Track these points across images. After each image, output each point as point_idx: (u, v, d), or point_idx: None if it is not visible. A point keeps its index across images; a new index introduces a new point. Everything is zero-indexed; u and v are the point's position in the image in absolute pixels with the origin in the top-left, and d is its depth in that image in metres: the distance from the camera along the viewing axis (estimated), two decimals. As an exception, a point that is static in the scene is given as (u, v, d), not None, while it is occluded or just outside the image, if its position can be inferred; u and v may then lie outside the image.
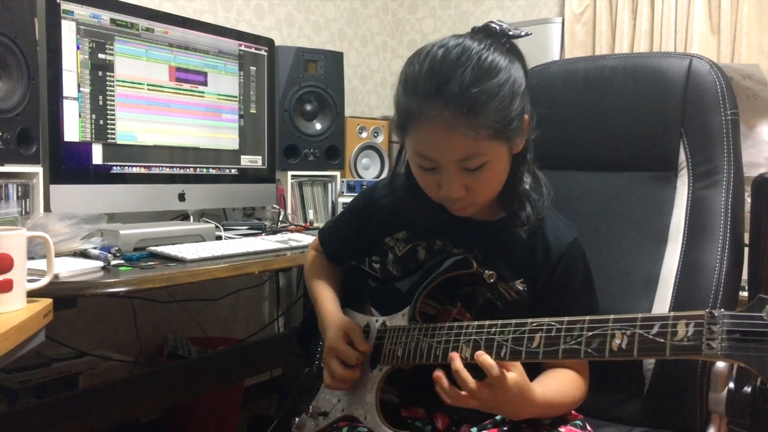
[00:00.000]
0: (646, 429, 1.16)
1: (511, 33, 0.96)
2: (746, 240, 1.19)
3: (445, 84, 0.89)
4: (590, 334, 0.81)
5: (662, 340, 0.75)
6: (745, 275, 1.18)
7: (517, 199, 1.02)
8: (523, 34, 0.97)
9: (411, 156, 0.98)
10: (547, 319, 0.86)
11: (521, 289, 1.03)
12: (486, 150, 0.92)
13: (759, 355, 0.69)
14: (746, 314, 0.70)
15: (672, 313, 0.76)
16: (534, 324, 0.87)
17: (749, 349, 0.69)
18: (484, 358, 0.87)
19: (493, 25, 0.96)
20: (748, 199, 1.20)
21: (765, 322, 0.69)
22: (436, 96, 0.90)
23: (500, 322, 0.90)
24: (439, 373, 0.90)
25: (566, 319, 0.84)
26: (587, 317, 0.83)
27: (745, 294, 1.19)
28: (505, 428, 0.97)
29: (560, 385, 0.98)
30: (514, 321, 0.89)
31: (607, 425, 1.17)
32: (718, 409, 1.08)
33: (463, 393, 0.89)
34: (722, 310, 0.72)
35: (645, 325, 0.77)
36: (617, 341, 0.78)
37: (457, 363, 0.89)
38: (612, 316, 0.80)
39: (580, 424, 1.00)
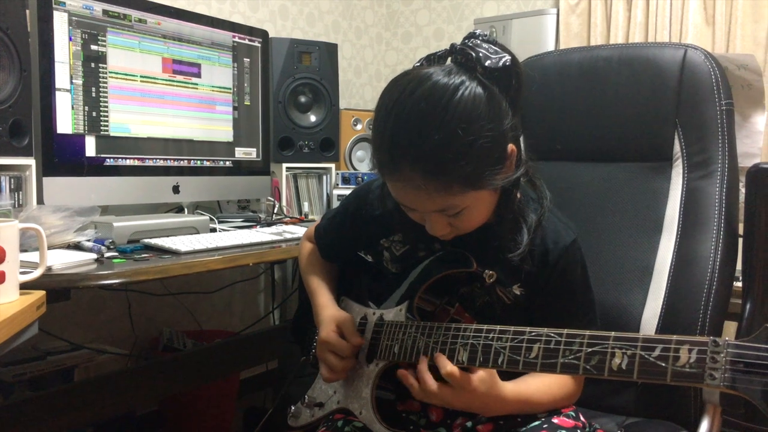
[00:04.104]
0: (640, 419, 1.16)
1: (487, 64, 0.88)
2: (741, 230, 1.19)
3: (410, 148, 0.85)
4: (590, 350, 0.79)
5: (664, 365, 0.73)
6: (739, 266, 1.19)
7: (511, 223, 0.99)
8: (500, 64, 0.88)
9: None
10: (546, 330, 0.84)
11: (518, 294, 1.02)
12: (461, 201, 0.90)
13: (764, 390, 0.66)
14: (751, 345, 0.68)
15: (674, 337, 0.74)
16: (533, 333, 0.85)
17: (753, 381, 0.67)
18: (441, 359, 0.90)
19: (470, 51, 0.89)
20: (743, 190, 1.20)
21: None
22: (403, 159, 0.86)
23: (498, 327, 0.89)
24: (402, 371, 0.94)
25: (565, 331, 0.82)
26: (587, 332, 0.81)
27: (739, 284, 1.19)
28: (501, 422, 0.97)
29: (540, 383, 0.97)
30: (512, 328, 0.88)
31: (601, 415, 1.17)
32: (712, 400, 1.09)
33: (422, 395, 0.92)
34: (727, 338, 0.70)
35: (646, 346, 0.75)
36: (617, 361, 0.77)
37: (421, 365, 0.92)
38: (613, 334, 0.78)
39: (573, 414, 1.00)
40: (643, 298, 1.19)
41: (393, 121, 0.88)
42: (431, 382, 0.90)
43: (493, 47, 0.90)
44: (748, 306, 1.16)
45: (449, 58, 0.93)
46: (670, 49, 1.25)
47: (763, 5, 2.25)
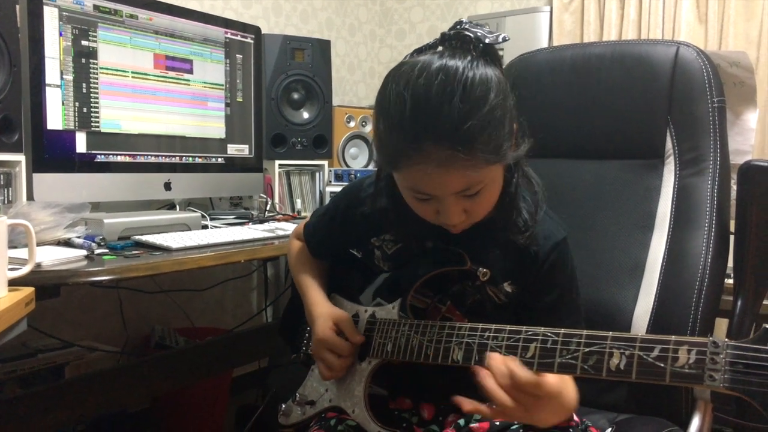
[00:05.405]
0: (632, 416, 1.16)
1: (487, 41, 0.88)
2: (732, 228, 1.19)
3: (434, 122, 0.83)
4: (587, 350, 0.79)
5: (662, 365, 0.73)
6: (730, 263, 1.19)
7: (514, 207, 0.99)
8: (500, 39, 0.88)
9: (403, 189, 0.94)
10: (542, 329, 0.84)
11: (510, 291, 1.01)
12: (483, 177, 0.89)
13: (763, 390, 0.66)
14: (751, 346, 0.68)
15: (673, 337, 0.73)
16: (529, 333, 0.84)
17: (753, 383, 0.67)
18: (512, 362, 0.81)
19: (466, 32, 0.89)
20: (734, 187, 1.20)
21: None
22: (426, 136, 0.83)
23: (494, 326, 0.88)
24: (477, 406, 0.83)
25: (562, 331, 0.82)
26: (585, 332, 0.80)
27: (731, 282, 1.19)
28: (497, 423, 0.96)
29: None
30: (508, 327, 0.87)
31: (593, 412, 1.17)
32: (703, 396, 1.09)
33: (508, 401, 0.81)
34: (726, 339, 0.70)
35: (645, 346, 0.75)
36: (615, 361, 0.76)
37: (503, 368, 0.82)
38: (610, 334, 0.78)
39: (566, 411, 0.99)
40: (635, 294, 1.19)
41: (410, 101, 0.85)
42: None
43: (486, 28, 0.91)
44: (739, 303, 1.16)
45: (440, 47, 0.92)
46: (663, 46, 1.25)
47: (755, 4, 2.26)
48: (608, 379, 0.77)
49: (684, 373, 0.72)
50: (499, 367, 0.81)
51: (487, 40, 0.88)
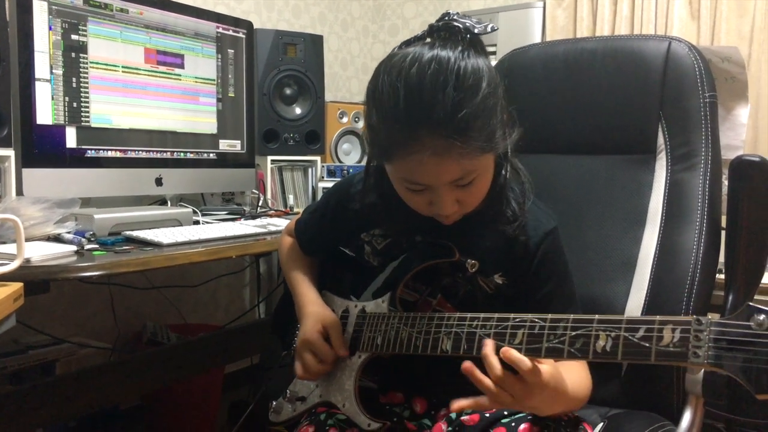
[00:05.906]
0: (623, 410, 1.16)
1: (476, 30, 0.90)
2: (723, 223, 1.19)
3: (428, 111, 0.84)
4: (574, 333, 0.79)
5: (647, 345, 0.73)
6: (721, 258, 1.19)
7: (504, 197, 1.00)
8: (489, 29, 0.90)
9: (396, 180, 0.95)
10: (530, 316, 0.84)
11: (500, 282, 1.02)
12: (477, 166, 0.89)
13: (746, 366, 0.67)
14: (733, 322, 0.69)
15: (658, 317, 0.74)
16: (517, 320, 0.85)
17: (736, 358, 0.68)
18: (511, 353, 0.80)
19: (455, 23, 0.90)
20: (726, 182, 1.20)
21: (753, 332, 0.67)
22: (421, 125, 0.84)
23: (482, 315, 0.89)
24: (469, 364, 0.82)
25: (549, 316, 0.82)
26: (571, 316, 0.81)
27: (722, 276, 1.19)
28: (487, 415, 0.97)
29: (577, 377, 0.95)
30: (496, 315, 0.87)
31: (585, 407, 1.17)
32: (694, 390, 1.09)
33: (494, 389, 0.82)
34: (709, 317, 0.71)
35: (630, 327, 0.75)
36: (601, 343, 0.77)
37: (487, 350, 0.83)
38: (597, 316, 0.78)
39: (558, 406, 1.00)
40: (627, 290, 1.19)
41: (403, 91, 0.85)
42: (499, 370, 0.81)
43: (473, 19, 0.91)
44: (730, 298, 1.16)
45: (428, 39, 0.93)
46: (655, 42, 1.25)
47: (747, 0, 2.26)
48: (595, 361, 0.78)
49: (669, 351, 0.72)
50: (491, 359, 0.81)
51: (476, 30, 0.89)
